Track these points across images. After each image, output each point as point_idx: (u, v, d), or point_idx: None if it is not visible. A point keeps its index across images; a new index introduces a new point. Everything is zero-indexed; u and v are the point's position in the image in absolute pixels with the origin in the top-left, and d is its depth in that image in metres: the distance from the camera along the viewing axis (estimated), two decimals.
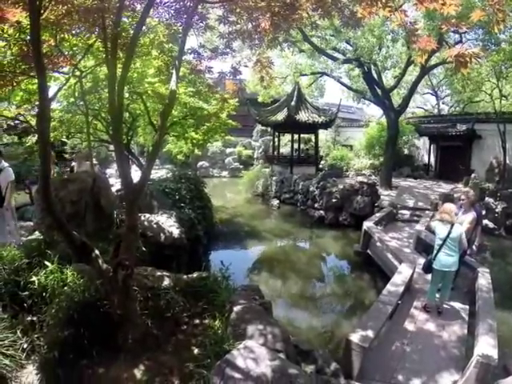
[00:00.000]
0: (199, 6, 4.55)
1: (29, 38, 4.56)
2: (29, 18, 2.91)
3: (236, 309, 3.91)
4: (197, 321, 4.09)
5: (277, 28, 5.00)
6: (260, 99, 19.56)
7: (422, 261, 7.75)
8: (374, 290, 8.22)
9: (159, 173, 12.46)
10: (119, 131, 3.53)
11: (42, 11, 3.08)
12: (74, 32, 4.86)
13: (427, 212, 12.16)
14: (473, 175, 14.72)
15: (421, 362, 4.60)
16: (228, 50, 5.40)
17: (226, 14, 4.76)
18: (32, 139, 10.18)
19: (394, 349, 4.90)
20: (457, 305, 6.12)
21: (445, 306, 5.88)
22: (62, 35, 4.93)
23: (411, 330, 5.35)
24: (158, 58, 6.74)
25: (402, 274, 6.54)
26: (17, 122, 7.55)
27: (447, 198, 11.60)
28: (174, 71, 3.58)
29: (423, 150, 24.38)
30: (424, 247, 8.83)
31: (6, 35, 4.60)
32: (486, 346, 4.14)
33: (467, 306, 6.08)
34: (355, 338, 4.31)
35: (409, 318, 5.69)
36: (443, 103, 36.23)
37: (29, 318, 4.24)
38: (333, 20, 5.19)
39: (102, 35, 4.78)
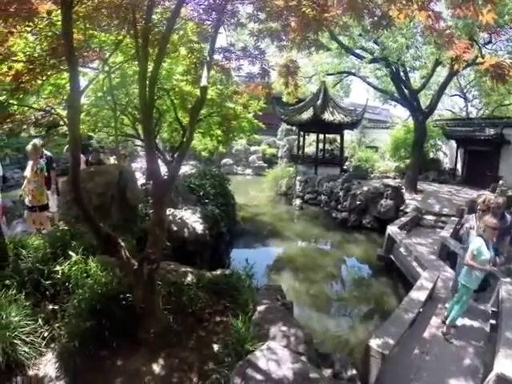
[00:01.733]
0: (229, 4, 4.51)
1: (59, 32, 4.65)
2: (60, 11, 2.92)
3: (259, 308, 3.86)
4: (218, 318, 4.07)
5: (306, 28, 4.92)
6: (285, 98, 19.42)
7: (446, 268, 7.63)
8: (395, 297, 8.04)
9: (183, 168, 12.54)
10: (150, 127, 3.53)
11: (74, 4, 3.09)
12: (103, 28, 4.91)
13: (452, 218, 11.79)
14: (500, 182, 14.16)
15: (438, 373, 4.44)
16: (256, 51, 5.33)
17: (256, 11, 4.72)
18: (59, 131, 10.42)
19: (413, 357, 4.76)
20: (478, 315, 5.90)
21: (465, 318, 5.67)
22: (92, 31, 5.01)
23: (431, 340, 5.20)
24: (187, 57, 6.75)
25: (426, 281, 6.38)
26: (45, 114, 7.70)
27: (473, 204, 11.21)
28: (205, 67, 3.56)
29: (450, 154, 23.70)
30: (449, 255, 8.59)
31: (37, 29, 4.66)
32: (505, 360, 3.95)
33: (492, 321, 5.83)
34: (375, 344, 4.22)
35: (429, 327, 5.52)
36: (472, 106, 35.03)
37: (50, 307, 4.31)
38: (362, 20, 5.05)
39: (131, 31, 4.84)
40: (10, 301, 3.97)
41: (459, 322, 5.46)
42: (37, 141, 6.76)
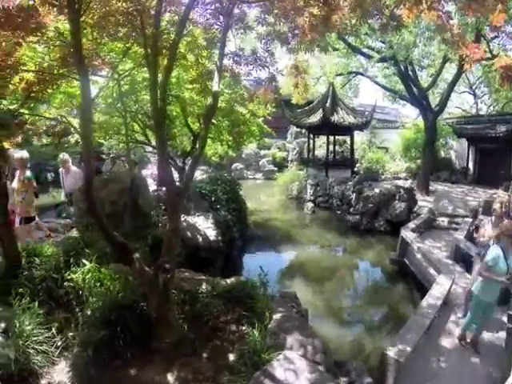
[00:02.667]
0: (236, 7, 4.48)
1: (67, 41, 4.66)
2: (68, 20, 2.91)
3: (275, 317, 3.80)
4: (234, 327, 4.00)
5: (314, 29, 4.87)
6: (294, 101, 19.35)
7: (461, 271, 7.46)
8: (410, 301, 7.91)
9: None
10: (162, 135, 3.50)
11: (82, 12, 3.08)
12: (112, 36, 4.90)
13: (466, 219, 11.56)
14: None
15: (455, 381, 4.35)
16: (265, 55, 5.28)
17: (264, 15, 4.68)
18: (71, 140, 10.52)
19: (429, 365, 4.66)
20: (499, 325, 5.66)
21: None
22: (100, 40, 5.01)
23: (447, 346, 5.08)
24: (194, 64, 6.74)
25: (441, 285, 6.27)
26: (56, 123, 7.76)
27: (487, 205, 11.00)
28: (216, 72, 3.52)
29: (461, 152, 23.35)
30: (463, 257, 8.44)
31: (45, 38, 4.67)
32: None
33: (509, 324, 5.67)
34: (391, 351, 4.16)
35: (445, 333, 5.41)
36: (481, 102, 34.43)
37: (63, 315, 4.30)
38: (368, 20, 5.00)
39: (140, 39, 4.84)
40: (23, 309, 3.96)
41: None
42: (23, 152, 6.61)
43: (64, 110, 7.99)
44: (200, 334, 3.87)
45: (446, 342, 5.15)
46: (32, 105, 5.64)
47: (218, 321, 4.05)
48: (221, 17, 4.37)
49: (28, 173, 6.58)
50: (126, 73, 7.15)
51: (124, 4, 3.48)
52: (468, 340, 5.05)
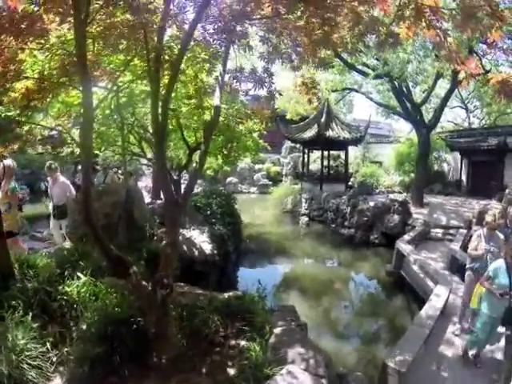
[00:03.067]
0: (238, 26, 4.53)
1: (69, 50, 4.67)
2: (74, 29, 2.92)
3: (276, 331, 3.75)
4: (233, 341, 3.93)
5: (316, 46, 4.95)
6: (288, 116, 19.55)
7: (457, 281, 7.50)
8: (407, 312, 7.92)
9: None
10: (162, 148, 3.50)
11: (88, 22, 3.09)
12: (114, 47, 4.92)
13: (461, 230, 11.66)
14: (507, 191, 14.00)
15: None
16: (265, 74, 5.33)
17: (267, 34, 4.75)
18: (67, 150, 10.46)
19: (429, 375, 4.63)
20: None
21: None
22: (102, 51, 5.02)
23: (446, 355, 5.07)
24: (192, 82, 6.79)
25: (438, 296, 6.32)
26: (53, 132, 7.70)
27: (481, 215, 11.08)
28: (217, 87, 3.54)
29: (454, 165, 23.64)
30: (458, 267, 8.48)
31: (47, 46, 4.66)
32: None
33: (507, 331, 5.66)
34: (392, 362, 4.14)
35: (444, 342, 5.41)
36: (473, 116, 35.13)
37: (58, 329, 4.18)
38: (365, 38, 5.09)
39: (142, 52, 4.86)
40: (16, 322, 3.85)
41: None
42: (10, 161, 6.29)
43: (61, 119, 7.96)
44: (198, 349, 3.79)
45: (446, 352, 5.14)
46: (29, 113, 5.57)
47: (216, 335, 3.97)
48: (222, 34, 4.41)
49: (12, 183, 6.16)
50: (125, 85, 7.17)
51: (129, 17, 3.50)
52: (471, 353, 4.99)
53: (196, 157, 13.53)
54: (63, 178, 8.12)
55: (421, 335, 4.90)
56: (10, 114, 5.09)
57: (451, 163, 23.99)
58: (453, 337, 5.57)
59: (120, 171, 10.85)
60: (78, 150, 8.61)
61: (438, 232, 12.45)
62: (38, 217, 10.12)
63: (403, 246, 9.66)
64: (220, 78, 3.65)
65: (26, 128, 5.98)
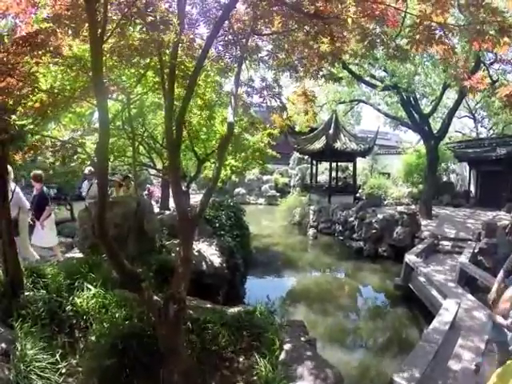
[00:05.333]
0: (250, 40, 4.61)
1: (81, 63, 4.75)
2: (90, 45, 2.98)
3: (285, 347, 3.72)
4: (243, 357, 3.90)
5: (322, 60, 5.02)
6: (298, 128, 19.62)
7: (467, 295, 7.42)
8: (415, 327, 7.81)
9: (196, 197, 12.49)
10: (176, 161, 3.52)
11: (105, 38, 3.15)
12: (127, 62, 5.02)
13: (469, 242, 11.57)
14: None
15: None
16: (276, 86, 5.41)
17: (275, 49, 4.83)
18: (77, 160, 10.55)
19: None
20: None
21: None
22: (117, 66, 5.12)
23: (456, 370, 4.96)
24: (205, 94, 6.89)
25: (448, 310, 6.22)
26: (65, 139, 7.77)
27: (490, 227, 11.01)
28: (230, 103, 3.57)
29: (462, 176, 23.48)
30: (467, 280, 8.52)
31: (61, 61, 4.74)
32: None
33: None
34: (400, 378, 4.07)
35: (453, 357, 5.29)
36: (481, 126, 34.98)
37: (67, 340, 4.18)
38: (373, 51, 5.15)
39: (155, 67, 4.95)
40: (25, 332, 3.85)
41: None
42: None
43: (72, 129, 8.08)
44: (209, 364, 3.77)
45: (455, 367, 5.03)
46: (41, 123, 5.64)
47: (226, 351, 3.95)
48: (233, 48, 4.49)
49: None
50: (137, 97, 7.28)
51: (143, 35, 3.57)
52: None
53: (204, 169, 13.63)
54: (17, 189, 7.60)
55: (429, 351, 4.81)
56: (22, 122, 5.16)
57: (459, 174, 23.85)
58: (462, 351, 5.45)
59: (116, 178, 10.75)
60: (86, 160, 8.71)
61: (446, 244, 12.32)
62: None
63: (412, 258, 9.57)
64: (233, 94, 3.69)
65: (37, 137, 6.06)
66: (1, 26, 4.30)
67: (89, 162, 8.53)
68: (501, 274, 4.42)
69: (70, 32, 3.79)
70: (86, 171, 9.16)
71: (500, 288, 4.23)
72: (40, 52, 3.65)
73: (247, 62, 4.67)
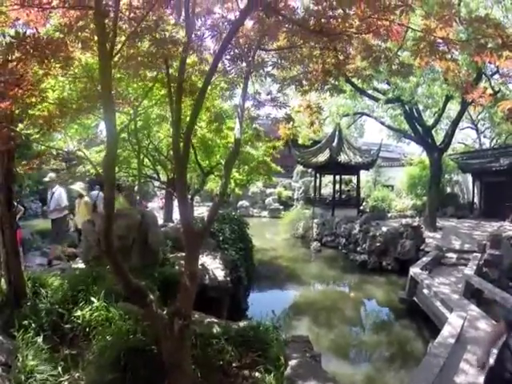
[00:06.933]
0: (256, 54, 4.66)
1: (91, 74, 4.80)
2: (99, 60, 3.01)
3: (291, 363, 3.66)
4: (247, 372, 3.85)
5: (327, 74, 5.07)
6: (300, 141, 19.70)
7: (473, 307, 7.33)
8: (421, 341, 7.70)
9: (199, 209, 12.47)
10: (183, 176, 3.52)
11: (114, 54, 3.18)
12: (134, 76, 5.08)
13: (475, 254, 11.47)
14: None
15: None
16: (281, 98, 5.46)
17: (280, 61, 4.88)
18: (81, 169, 10.58)
19: None
20: None
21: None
22: (124, 80, 5.19)
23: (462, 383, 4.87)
24: (210, 108, 6.97)
25: (453, 323, 6.15)
26: (67, 151, 7.80)
27: (495, 238, 10.92)
28: (237, 120, 3.59)
29: (466, 187, 23.41)
30: (473, 293, 8.43)
31: (71, 72, 4.79)
32: None
33: None
34: None
35: (459, 371, 5.18)
36: (484, 137, 35.02)
37: (69, 352, 4.12)
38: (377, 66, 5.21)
39: (162, 80, 5.00)
40: (27, 342, 3.83)
41: None
42: None
43: (78, 139, 8.17)
44: (213, 380, 3.72)
45: (460, 379, 4.95)
46: (47, 133, 5.68)
47: (230, 366, 3.90)
48: (239, 62, 4.53)
49: None
50: (143, 110, 7.36)
51: (151, 48, 3.61)
52: None
53: (208, 181, 13.60)
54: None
55: (436, 364, 4.74)
56: (28, 131, 5.21)
57: (463, 185, 23.79)
58: (468, 366, 5.33)
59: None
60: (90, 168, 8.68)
61: (451, 257, 12.22)
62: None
63: (417, 271, 9.47)
64: (239, 110, 3.70)
65: (42, 147, 6.11)
66: (11, 33, 4.36)
67: (93, 172, 8.54)
68: None
69: (79, 44, 3.85)
70: (47, 178, 8.61)
71: None
72: (50, 63, 3.68)
73: (253, 76, 4.71)
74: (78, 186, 9.00)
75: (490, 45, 3.94)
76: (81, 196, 9.01)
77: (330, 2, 3.76)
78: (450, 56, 4.43)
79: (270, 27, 3.80)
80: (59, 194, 8.23)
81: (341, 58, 4.73)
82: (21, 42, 3.18)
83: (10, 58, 3.43)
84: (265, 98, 5.19)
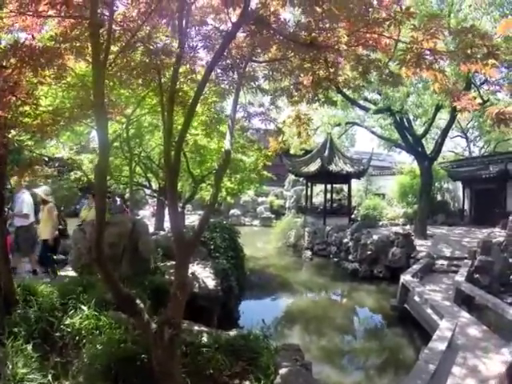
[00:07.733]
0: (247, 66, 4.73)
1: (84, 84, 4.83)
2: (92, 69, 3.04)
3: (281, 372, 3.67)
4: (236, 381, 3.85)
5: (317, 85, 5.16)
6: (292, 151, 19.84)
7: (464, 314, 7.41)
8: (413, 348, 7.71)
9: (190, 218, 12.41)
10: (175, 185, 3.53)
11: (108, 65, 3.22)
12: (127, 85, 5.12)
13: (465, 261, 11.59)
14: (510, 218, 13.99)
15: None
16: (272, 107, 5.54)
17: (272, 73, 4.96)
18: (74, 176, 10.50)
19: None
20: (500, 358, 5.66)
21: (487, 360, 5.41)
22: (116, 89, 5.22)
23: None
24: (203, 113, 7.03)
25: (444, 330, 6.21)
26: (60, 155, 7.78)
27: (485, 244, 11.05)
28: (227, 131, 3.63)
29: (456, 195, 23.70)
30: (464, 299, 8.50)
31: (64, 81, 4.80)
32: None
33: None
34: None
35: (451, 378, 5.24)
36: (474, 145, 35.57)
37: (59, 360, 4.09)
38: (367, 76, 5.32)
39: (154, 90, 5.04)
40: (17, 350, 3.79)
41: None
42: None
43: (70, 146, 8.16)
44: None
45: None
46: (40, 140, 5.68)
47: (221, 375, 3.89)
48: (230, 72, 4.60)
49: None
50: (135, 118, 7.39)
51: (144, 58, 3.65)
52: None
53: (200, 190, 13.61)
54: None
55: (427, 371, 4.79)
56: (21, 138, 5.20)
57: (453, 193, 24.09)
58: (459, 371, 5.42)
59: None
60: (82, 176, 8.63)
61: (442, 264, 12.31)
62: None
63: (408, 279, 9.54)
64: (230, 122, 3.75)
65: (34, 154, 6.11)
66: (7, 39, 4.37)
67: (85, 179, 8.51)
68: None
69: (74, 53, 3.89)
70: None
71: None
72: (44, 71, 3.70)
73: (244, 88, 4.78)
74: (42, 191, 7.87)
75: (478, 55, 4.05)
76: (44, 202, 7.85)
77: (319, 14, 3.85)
78: (437, 66, 4.54)
79: (262, 40, 3.87)
80: (22, 199, 7.48)
81: (331, 69, 4.82)
82: (16, 49, 3.20)
83: (5, 65, 3.45)
84: (255, 111, 5.25)
